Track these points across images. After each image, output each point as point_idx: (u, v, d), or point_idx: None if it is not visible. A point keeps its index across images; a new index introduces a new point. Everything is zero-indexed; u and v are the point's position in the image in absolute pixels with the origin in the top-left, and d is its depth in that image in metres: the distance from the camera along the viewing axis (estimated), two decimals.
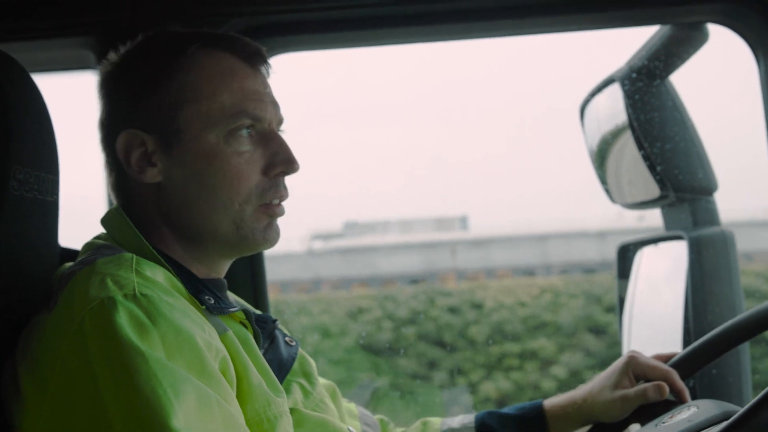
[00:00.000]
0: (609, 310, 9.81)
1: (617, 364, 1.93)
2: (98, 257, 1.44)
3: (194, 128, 1.53)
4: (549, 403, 1.97)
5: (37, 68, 2.24)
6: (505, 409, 1.99)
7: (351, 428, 1.68)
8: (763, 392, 1.32)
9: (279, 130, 1.62)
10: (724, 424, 1.34)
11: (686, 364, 1.93)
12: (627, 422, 1.93)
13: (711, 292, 2.45)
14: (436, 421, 2.01)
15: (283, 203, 1.60)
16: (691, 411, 1.69)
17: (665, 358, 1.96)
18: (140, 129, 1.54)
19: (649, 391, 1.85)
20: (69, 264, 1.52)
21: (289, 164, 1.57)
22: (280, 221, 1.61)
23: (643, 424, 1.83)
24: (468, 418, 1.99)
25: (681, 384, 1.88)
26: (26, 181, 1.46)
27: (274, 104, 1.60)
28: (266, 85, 1.61)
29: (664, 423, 1.69)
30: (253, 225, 1.55)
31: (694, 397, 1.86)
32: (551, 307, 10.60)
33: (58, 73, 2.36)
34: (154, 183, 1.55)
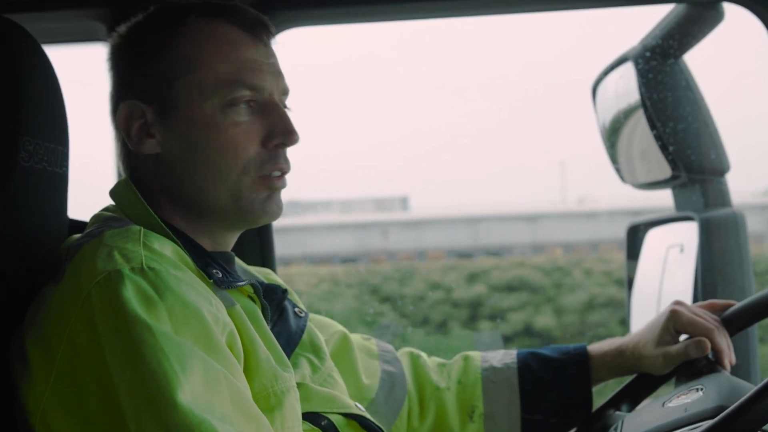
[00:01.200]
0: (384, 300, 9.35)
1: (660, 317, 1.90)
2: (106, 229, 1.44)
3: (190, 98, 1.52)
4: (596, 349, 1.94)
5: (49, 40, 2.23)
6: (548, 350, 1.97)
7: (358, 405, 1.68)
8: (741, 399, 1.32)
9: (284, 101, 1.60)
10: (709, 423, 1.34)
11: (739, 319, 1.88)
12: (671, 375, 1.90)
13: (721, 273, 2.45)
14: (476, 356, 1.98)
15: (286, 176, 1.57)
16: (696, 395, 1.68)
17: (720, 307, 1.92)
18: (140, 100, 1.54)
19: (689, 349, 1.82)
20: (77, 236, 1.52)
21: (289, 135, 1.54)
22: None
23: (684, 381, 1.80)
24: (510, 357, 1.96)
25: (720, 344, 1.84)
26: (36, 152, 1.46)
27: (277, 74, 1.58)
28: (269, 55, 1.58)
29: (670, 403, 1.69)
30: (251, 197, 1.53)
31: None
32: (326, 296, 10.10)
33: (70, 44, 2.36)
34: (153, 154, 1.55)
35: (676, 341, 1.87)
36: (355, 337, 1.91)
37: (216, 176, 1.51)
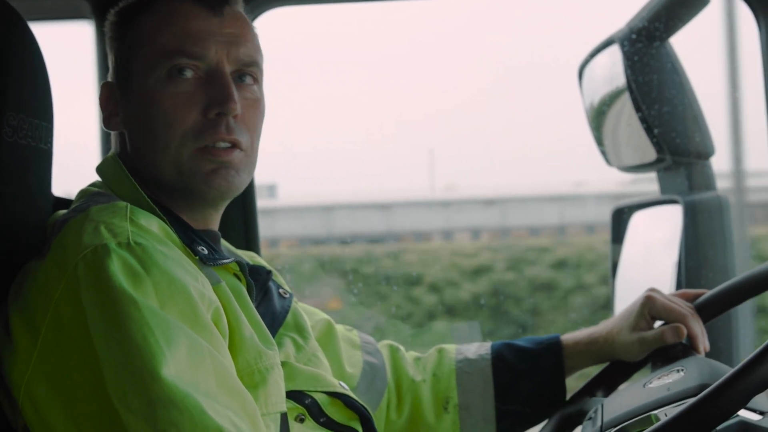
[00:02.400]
0: None
1: (634, 304, 1.91)
2: (92, 204, 1.44)
3: (140, 73, 1.53)
4: (569, 338, 1.95)
5: (34, 16, 2.22)
6: (522, 341, 1.98)
7: (342, 383, 1.68)
8: (727, 374, 1.32)
9: (245, 72, 1.56)
10: (685, 406, 1.34)
11: (711, 306, 1.91)
12: (645, 361, 1.92)
13: (705, 256, 2.45)
14: (451, 349, 1.99)
15: (240, 149, 1.53)
16: (676, 376, 1.69)
17: (692, 296, 1.94)
18: (113, 79, 1.58)
19: (666, 334, 1.84)
20: (62, 211, 1.52)
21: (225, 103, 1.49)
22: None
23: (660, 366, 1.81)
24: (484, 348, 1.97)
25: (695, 330, 1.85)
26: (20, 127, 1.45)
27: (229, 44, 1.53)
28: (222, 25, 1.54)
29: (650, 383, 1.70)
30: (193, 169, 1.50)
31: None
32: None
33: (55, 22, 2.34)
34: (120, 133, 1.57)
35: (651, 327, 1.89)
36: (339, 327, 1.92)
37: (158, 148, 1.51)
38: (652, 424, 1.49)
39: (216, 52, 1.52)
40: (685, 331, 1.84)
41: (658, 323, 1.90)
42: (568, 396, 1.96)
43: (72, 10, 2.21)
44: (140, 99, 1.52)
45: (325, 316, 1.89)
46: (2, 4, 1.49)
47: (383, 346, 1.99)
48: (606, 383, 1.94)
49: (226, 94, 1.50)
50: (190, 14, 1.53)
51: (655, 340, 1.86)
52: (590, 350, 1.94)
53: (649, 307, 1.88)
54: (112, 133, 1.62)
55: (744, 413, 1.41)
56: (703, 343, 1.87)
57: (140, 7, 1.56)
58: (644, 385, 1.70)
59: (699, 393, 1.38)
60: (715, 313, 1.91)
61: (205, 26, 1.53)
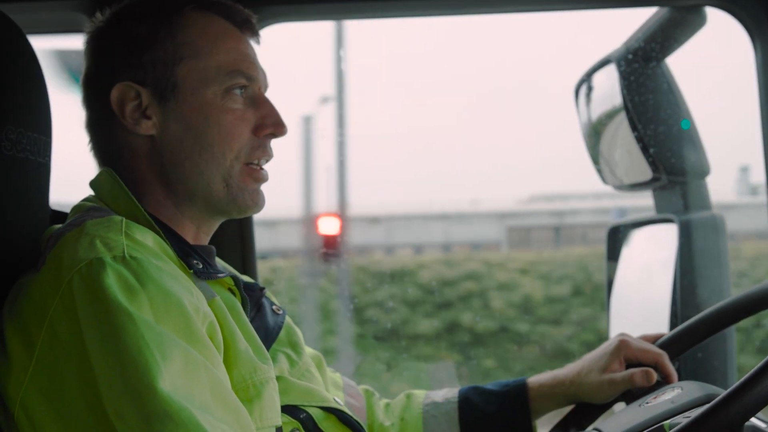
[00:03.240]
0: None
1: (608, 347, 1.93)
2: (87, 219, 1.44)
3: (191, 83, 1.55)
4: (534, 380, 1.97)
5: (33, 30, 2.23)
6: (489, 385, 1.99)
7: (336, 398, 1.68)
8: (747, 375, 1.33)
9: None
10: (709, 405, 1.35)
11: (674, 345, 1.94)
12: (612, 403, 1.93)
13: (699, 276, 2.46)
14: (420, 394, 2.02)
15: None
16: (675, 392, 1.70)
17: (653, 339, 1.98)
18: (135, 82, 1.55)
19: (636, 377, 1.86)
20: (58, 225, 1.52)
21: (278, 127, 1.60)
22: None
23: (633, 399, 1.83)
24: (452, 393, 1.99)
25: (671, 368, 1.89)
26: (19, 141, 1.46)
27: (262, 70, 1.64)
28: (255, 52, 1.65)
29: (648, 403, 1.71)
30: (242, 185, 1.57)
31: (678, 380, 1.87)
32: None
33: (53, 35, 2.35)
34: (148, 136, 1.56)
35: (623, 370, 1.91)
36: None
37: (212, 160, 1.55)
38: None
39: (260, 77, 1.62)
40: (655, 376, 1.86)
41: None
42: None
43: (71, 23, 2.21)
44: (193, 108, 1.55)
45: (316, 351, 1.90)
46: (1, 17, 1.50)
47: (361, 389, 2.01)
48: (576, 423, 1.95)
49: (278, 117, 1.60)
50: (236, 36, 1.61)
51: (624, 382, 1.88)
52: (555, 392, 1.95)
53: (625, 350, 1.91)
54: (104, 137, 1.60)
55: (754, 421, 1.41)
56: (675, 377, 1.90)
57: (169, 17, 1.58)
58: (641, 405, 1.71)
59: (707, 402, 1.39)
60: (678, 352, 1.95)
61: (252, 52, 1.63)
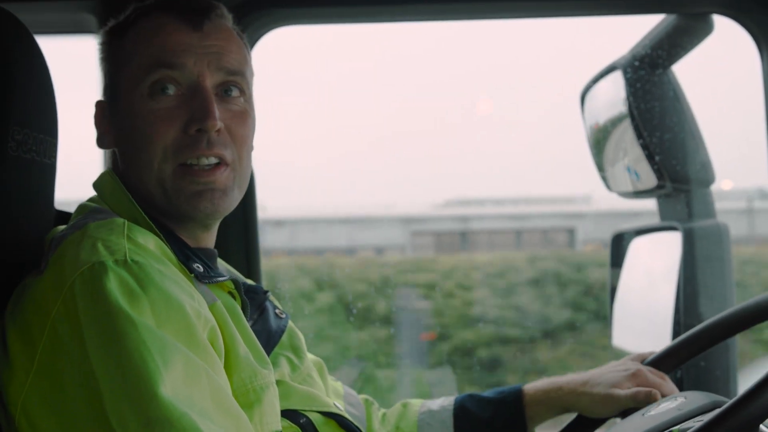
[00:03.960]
0: None
1: (624, 370, 1.91)
2: (90, 221, 1.44)
3: (125, 90, 1.54)
4: (529, 387, 1.96)
5: (41, 30, 2.23)
6: (486, 393, 1.98)
7: (337, 404, 1.68)
8: (755, 382, 1.32)
9: (230, 84, 1.56)
10: (716, 411, 1.34)
11: (666, 361, 1.93)
12: (606, 419, 1.92)
13: (703, 284, 2.45)
14: (416, 403, 2.01)
15: (225, 165, 1.52)
16: (679, 401, 1.69)
17: (641, 358, 1.96)
18: (103, 97, 1.59)
19: (640, 395, 1.83)
20: (61, 227, 1.52)
21: (204, 120, 1.50)
22: None
23: (628, 413, 1.83)
24: (448, 401, 1.98)
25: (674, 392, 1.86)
26: (24, 141, 1.46)
27: (212, 55, 1.54)
28: (203, 38, 1.54)
29: (650, 413, 1.70)
30: (177, 188, 1.50)
31: (680, 389, 1.87)
32: None
33: (62, 36, 2.35)
34: (113, 151, 1.58)
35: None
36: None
37: (143, 165, 1.51)
38: None
39: (195, 64, 1.52)
40: (659, 396, 1.83)
41: None
42: None
43: (78, 24, 2.21)
44: (125, 116, 1.53)
45: (317, 358, 1.89)
46: (9, 17, 1.50)
47: (360, 398, 2.00)
48: None
49: (205, 109, 1.50)
50: (169, 29, 1.53)
51: (627, 400, 1.85)
52: (549, 398, 1.93)
53: (639, 380, 1.88)
54: (108, 151, 1.63)
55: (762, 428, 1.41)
56: None
57: (125, 27, 1.57)
58: (644, 415, 1.70)
59: (713, 409, 1.38)
60: (678, 364, 1.95)
61: (184, 39, 1.53)
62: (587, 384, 1.90)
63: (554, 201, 13.42)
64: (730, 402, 1.33)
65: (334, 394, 1.89)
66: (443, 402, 1.98)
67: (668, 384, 1.88)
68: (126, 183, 1.54)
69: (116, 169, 1.58)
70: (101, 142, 1.59)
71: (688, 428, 1.45)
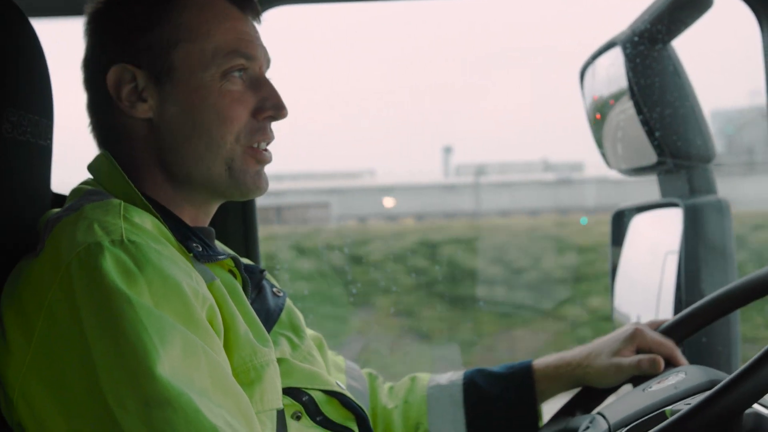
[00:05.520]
0: None
1: (621, 333, 1.93)
2: (86, 203, 1.43)
3: (188, 66, 1.53)
4: (539, 362, 1.97)
5: (35, 13, 2.22)
6: (495, 368, 1.99)
7: (338, 382, 1.68)
8: (748, 362, 1.32)
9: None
10: (708, 392, 1.34)
11: (678, 330, 1.93)
12: (618, 386, 1.93)
13: (704, 260, 2.45)
14: (424, 377, 2.01)
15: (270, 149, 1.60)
16: (679, 377, 1.69)
17: (655, 326, 1.97)
18: (131, 64, 1.54)
19: (643, 363, 1.85)
20: (56, 209, 1.51)
21: (278, 109, 1.58)
22: None
23: (634, 386, 1.83)
24: (456, 375, 1.99)
25: (682, 360, 1.88)
26: (19, 123, 1.45)
27: (264, 48, 1.61)
28: (256, 31, 1.62)
29: (651, 388, 1.70)
30: (243, 167, 1.55)
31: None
32: None
33: (55, 18, 2.34)
34: (145, 119, 1.55)
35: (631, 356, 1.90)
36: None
37: (211, 143, 1.53)
38: (666, 419, 1.49)
39: (259, 56, 1.59)
40: (662, 364, 1.85)
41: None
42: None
43: (74, 6, 2.20)
44: (191, 91, 1.53)
45: (316, 333, 1.89)
46: (2, 1, 1.49)
47: (364, 373, 2.01)
48: (582, 405, 1.94)
49: (278, 99, 1.58)
50: (235, 15, 1.58)
51: (630, 368, 1.87)
52: (560, 373, 1.94)
53: (639, 339, 1.90)
54: (103, 119, 1.59)
55: (756, 407, 1.41)
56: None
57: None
58: (644, 389, 1.70)
59: (710, 388, 1.39)
60: (683, 337, 1.95)
61: (252, 30, 1.60)
62: (590, 356, 1.92)
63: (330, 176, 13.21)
64: (713, 389, 1.34)
65: (336, 368, 1.89)
66: (452, 376, 1.99)
67: (676, 352, 1.89)
68: (160, 155, 1.55)
69: (131, 141, 1.56)
70: (131, 109, 1.55)
71: (679, 410, 1.45)
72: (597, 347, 1.93)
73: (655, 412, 1.55)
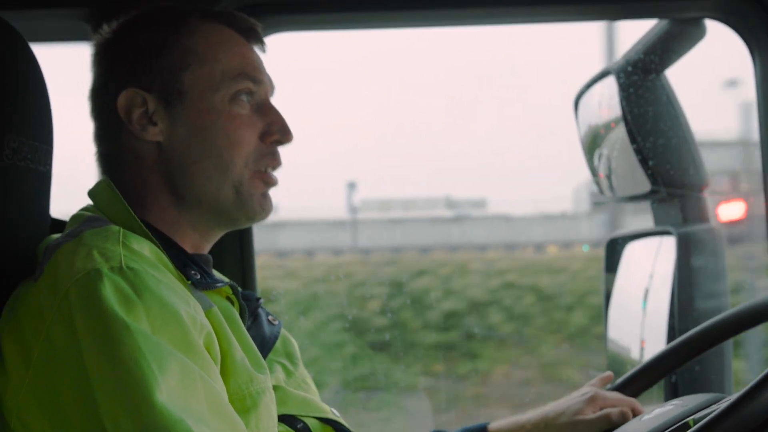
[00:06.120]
0: None
1: (580, 396, 1.89)
2: (85, 229, 1.44)
3: (198, 90, 1.55)
4: (495, 426, 1.93)
5: (35, 38, 2.23)
6: (452, 431, 1.96)
7: (333, 410, 1.68)
8: (762, 374, 1.31)
9: None
10: (724, 405, 1.33)
11: (631, 385, 1.95)
12: None
13: (697, 288, 2.46)
14: None
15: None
16: (675, 404, 1.69)
17: (602, 383, 1.96)
18: (142, 89, 1.56)
19: (612, 416, 1.82)
20: (56, 235, 1.52)
21: (285, 134, 1.60)
22: None
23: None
24: None
25: (642, 410, 1.85)
26: (20, 149, 1.46)
27: (268, 75, 1.64)
28: (260, 58, 1.65)
29: (648, 415, 1.69)
30: (251, 191, 1.56)
31: (675, 395, 1.87)
32: None
33: (56, 43, 2.35)
34: (155, 143, 1.56)
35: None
36: None
37: (220, 164, 1.54)
38: (689, 428, 1.48)
39: (266, 82, 1.62)
40: (630, 415, 1.83)
41: None
42: None
43: (74, 31, 2.21)
44: (201, 114, 1.55)
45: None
46: (4, 25, 1.50)
47: None
48: None
49: (284, 125, 1.60)
50: (242, 42, 1.62)
51: (599, 421, 1.83)
52: None
53: (600, 400, 1.87)
54: (110, 145, 1.60)
55: None
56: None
57: (173, 24, 1.59)
58: (641, 419, 1.70)
59: (716, 402, 1.38)
60: (634, 394, 1.94)
61: (257, 57, 1.63)
62: (549, 417, 1.88)
63: None
64: (750, 385, 1.32)
65: None
66: None
67: (637, 405, 1.87)
68: (170, 178, 1.56)
69: (142, 166, 1.57)
70: (142, 132, 1.56)
71: (703, 417, 1.43)
72: (556, 408, 1.89)
73: (679, 423, 1.54)
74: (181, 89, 1.55)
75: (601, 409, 1.86)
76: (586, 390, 1.91)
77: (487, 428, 1.94)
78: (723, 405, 1.33)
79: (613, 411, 1.83)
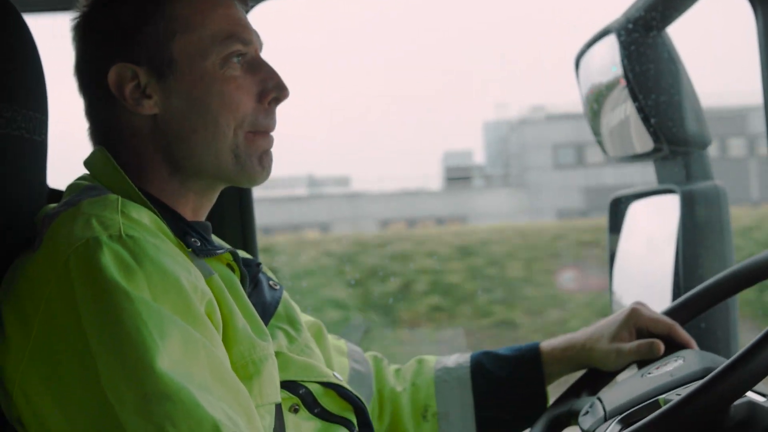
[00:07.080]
0: None
1: (619, 315, 1.92)
2: (83, 198, 1.43)
3: (188, 57, 1.53)
4: (546, 344, 1.97)
5: (28, 8, 2.21)
6: (502, 350, 1.99)
7: (336, 374, 1.68)
8: (738, 352, 1.33)
9: None
10: (701, 381, 1.35)
11: (676, 316, 1.93)
12: (622, 369, 1.92)
13: (702, 246, 2.45)
14: (431, 359, 2.01)
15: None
16: (678, 363, 1.69)
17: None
18: (131, 62, 1.53)
19: (642, 348, 1.85)
20: (53, 205, 1.51)
21: (281, 90, 1.57)
22: None
23: (646, 364, 1.82)
24: (464, 357, 1.99)
25: (685, 335, 1.87)
26: (13, 119, 1.45)
27: (256, 32, 1.61)
28: (246, 16, 1.61)
29: (649, 374, 1.70)
30: (249, 152, 1.55)
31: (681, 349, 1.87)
32: None
33: (49, 13, 2.33)
34: (151, 115, 1.54)
35: (633, 339, 1.90)
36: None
37: (217, 130, 1.52)
38: (659, 407, 1.49)
39: (255, 40, 1.58)
40: (662, 348, 1.84)
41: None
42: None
43: (66, 1, 2.19)
44: (194, 82, 1.52)
45: (316, 319, 1.89)
46: None
47: (368, 356, 2.00)
48: (589, 387, 1.94)
49: (279, 81, 1.57)
50: (226, 3, 1.57)
51: (630, 353, 1.86)
52: (566, 356, 1.94)
53: (636, 318, 1.90)
54: (103, 120, 1.58)
55: (750, 395, 1.42)
56: (694, 345, 1.88)
57: None
58: (643, 375, 1.71)
59: (704, 376, 1.39)
60: (681, 323, 1.93)
61: (243, 16, 1.59)
62: (592, 339, 1.92)
63: None
64: (703, 380, 1.34)
65: (337, 352, 1.89)
66: (459, 359, 1.99)
67: (675, 328, 1.88)
68: (168, 148, 1.54)
69: (138, 138, 1.55)
70: (137, 107, 1.53)
71: (671, 399, 1.46)
72: (598, 330, 1.93)
73: (650, 401, 1.56)
74: (170, 59, 1.53)
75: (637, 330, 1.89)
76: (625, 308, 1.93)
77: (539, 346, 1.97)
78: (688, 390, 1.36)
79: (643, 343, 1.85)
